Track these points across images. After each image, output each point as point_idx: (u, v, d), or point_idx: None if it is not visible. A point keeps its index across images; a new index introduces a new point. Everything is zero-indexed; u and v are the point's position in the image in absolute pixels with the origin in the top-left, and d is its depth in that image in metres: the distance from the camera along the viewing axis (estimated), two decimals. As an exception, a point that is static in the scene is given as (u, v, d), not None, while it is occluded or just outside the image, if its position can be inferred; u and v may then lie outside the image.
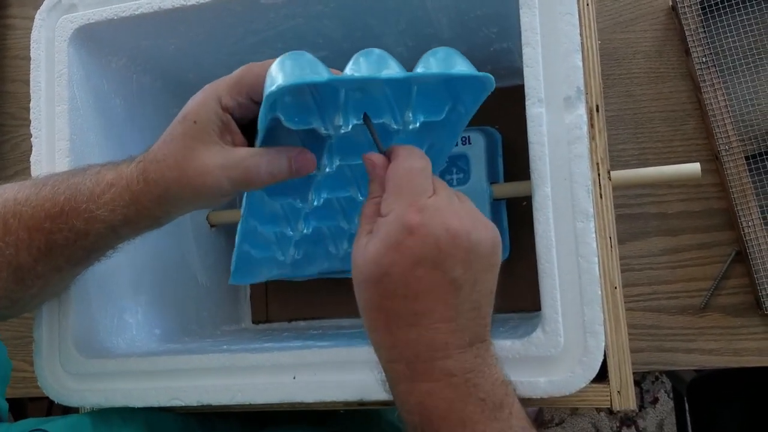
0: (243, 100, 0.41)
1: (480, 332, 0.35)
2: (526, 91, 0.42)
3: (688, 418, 1.03)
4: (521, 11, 0.42)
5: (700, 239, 0.65)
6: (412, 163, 0.36)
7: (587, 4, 0.44)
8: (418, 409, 0.34)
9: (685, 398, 0.91)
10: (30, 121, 0.86)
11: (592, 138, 0.42)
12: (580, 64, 0.41)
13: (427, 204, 0.34)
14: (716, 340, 0.64)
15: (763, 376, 0.80)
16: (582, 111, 0.41)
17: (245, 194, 0.48)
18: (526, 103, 0.42)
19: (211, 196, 0.40)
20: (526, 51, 0.42)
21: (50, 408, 1.63)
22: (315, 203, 0.50)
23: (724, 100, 0.63)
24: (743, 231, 0.62)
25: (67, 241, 0.42)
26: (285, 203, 0.51)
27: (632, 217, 0.66)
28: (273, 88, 0.37)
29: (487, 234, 0.35)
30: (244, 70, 0.41)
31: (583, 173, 0.40)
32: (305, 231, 0.54)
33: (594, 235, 0.40)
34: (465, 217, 0.35)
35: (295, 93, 0.41)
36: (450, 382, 0.33)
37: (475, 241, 0.34)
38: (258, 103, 0.40)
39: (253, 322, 0.73)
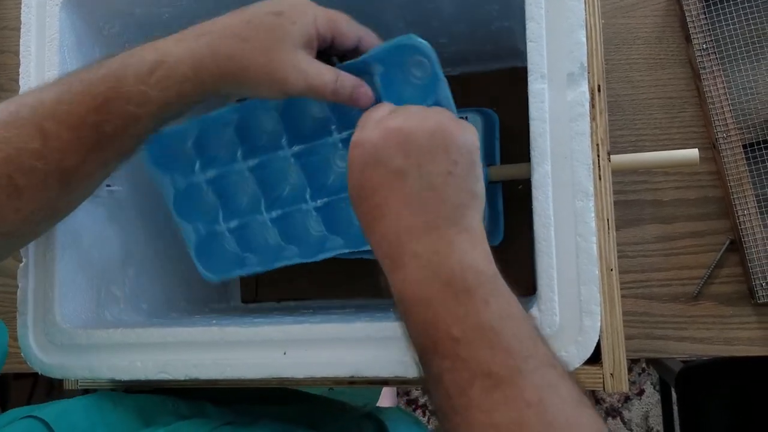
0: (327, 36, 0.43)
1: (449, 215, 0.37)
2: (529, 66, 0.41)
3: (675, 409, 1.03)
4: (525, -15, 0.41)
5: (694, 227, 0.65)
6: (378, 108, 0.42)
7: (591, -19, 0.43)
8: (398, 299, 0.36)
9: (673, 388, 0.91)
10: (18, 93, 0.85)
11: (592, 118, 0.42)
12: (584, 40, 0.40)
13: (370, 121, 0.40)
14: (708, 328, 0.64)
15: (751, 367, 0.81)
16: (585, 88, 0.40)
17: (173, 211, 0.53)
18: (529, 78, 0.41)
19: (280, 91, 0.42)
20: (530, 26, 0.41)
21: (34, 387, 1.62)
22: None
23: (724, 87, 0.63)
24: (738, 220, 0.62)
25: (117, 130, 0.41)
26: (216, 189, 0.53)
27: (627, 203, 0.66)
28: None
29: (422, 124, 0.38)
30: (340, 18, 0.44)
31: (584, 151, 0.40)
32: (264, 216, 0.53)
33: (593, 215, 0.39)
34: (402, 116, 0.39)
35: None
36: (418, 264, 0.36)
37: (407, 132, 0.38)
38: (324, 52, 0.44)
39: (243, 302, 0.72)
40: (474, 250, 0.36)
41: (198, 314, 0.62)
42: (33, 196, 0.40)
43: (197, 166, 0.53)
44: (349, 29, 0.44)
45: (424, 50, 0.46)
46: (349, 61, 0.46)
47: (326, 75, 0.42)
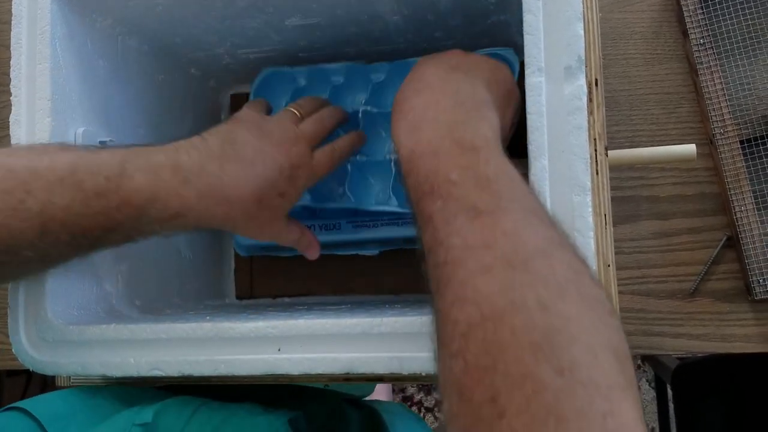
0: None
1: (476, 105, 0.42)
2: (526, 60, 0.41)
3: (671, 406, 1.03)
4: (523, -23, 0.41)
5: (691, 223, 0.65)
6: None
7: (588, -26, 0.43)
8: (408, 157, 0.39)
9: (669, 386, 0.91)
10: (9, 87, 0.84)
11: (590, 113, 0.41)
12: (582, 32, 0.40)
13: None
14: (704, 325, 0.64)
15: (747, 363, 0.80)
16: (582, 81, 0.40)
17: None
18: (526, 71, 0.41)
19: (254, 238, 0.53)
20: (527, 18, 0.41)
21: (27, 384, 1.61)
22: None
23: (721, 83, 0.63)
24: (735, 216, 0.61)
25: (115, 243, 0.45)
26: None
27: (624, 199, 0.66)
28: None
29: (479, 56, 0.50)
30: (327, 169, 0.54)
31: (582, 145, 0.39)
32: None
33: (590, 210, 0.39)
34: None
35: None
36: (436, 127, 0.39)
37: (465, 54, 0.49)
38: None
39: (237, 298, 0.72)
40: (489, 131, 0.40)
41: (192, 311, 0.62)
42: (9, 271, 0.43)
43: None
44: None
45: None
46: None
47: (287, 236, 0.54)
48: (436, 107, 0.41)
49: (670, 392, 1.09)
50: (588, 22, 0.42)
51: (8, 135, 0.84)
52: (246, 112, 0.53)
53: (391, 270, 0.68)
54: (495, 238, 0.31)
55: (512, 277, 0.30)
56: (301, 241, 0.56)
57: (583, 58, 0.40)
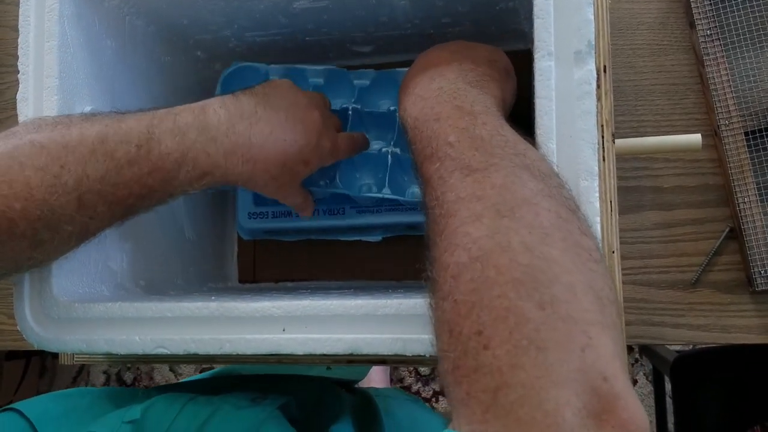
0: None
1: (476, 78, 0.44)
2: (536, 44, 0.41)
3: (668, 400, 1.04)
4: (533, -39, 0.41)
5: (694, 215, 0.65)
6: None
7: (598, -41, 0.43)
8: (413, 123, 0.42)
9: (668, 378, 0.91)
10: (15, 68, 0.84)
11: (598, 99, 0.41)
12: (592, 17, 0.40)
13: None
14: (705, 316, 0.64)
15: (746, 355, 0.81)
16: (592, 66, 0.40)
17: None
18: (535, 56, 0.41)
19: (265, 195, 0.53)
20: (538, 2, 0.41)
21: (26, 368, 1.61)
22: None
23: (727, 74, 0.63)
24: (738, 208, 0.62)
25: (149, 207, 0.46)
26: None
27: (627, 189, 0.66)
28: None
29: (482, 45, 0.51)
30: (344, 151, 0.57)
31: (590, 130, 0.39)
32: None
33: (597, 195, 0.39)
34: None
35: None
36: (440, 93, 0.42)
37: (471, 42, 0.51)
38: None
39: (240, 282, 0.72)
40: (488, 98, 0.42)
41: (196, 293, 0.62)
42: (52, 249, 0.43)
43: None
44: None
45: None
46: None
47: (303, 201, 0.57)
48: (441, 79, 0.43)
49: (667, 386, 1.10)
50: (597, 7, 0.42)
51: (14, 116, 0.85)
52: (282, 80, 0.53)
53: (393, 257, 0.69)
54: (485, 191, 0.34)
55: (499, 223, 0.32)
56: (303, 205, 0.58)
57: (593, 43, 0.40)
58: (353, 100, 0.63)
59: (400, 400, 0.79)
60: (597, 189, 0.39)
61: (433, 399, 1.58)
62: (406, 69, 0.60)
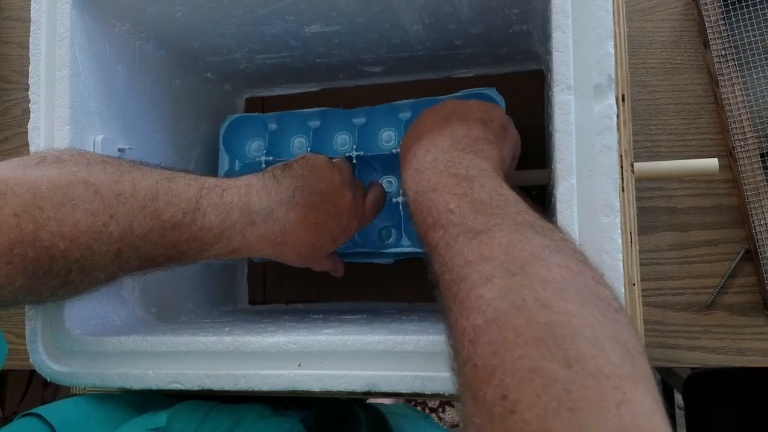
0: None
1: (470, 143, 0.44)
2: (555, 77, 0.40)
3: (677, 413, 1.03)
4: (553, -7, 0.40)
5: (709, 236, 0.64)
6: None
7: (617, -11, 0.42)
8: (414, 196, 0.42)
9: (679, 393, 0.90)
10: (23, 85, 0.84)
11: (617, 128, 0.41)
12: (612, 51, 0.39)
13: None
14: (720, 338, 0.63)
15: (760, 374, 0.80)
16: (612, 100, 0.39)
17: None
18: (554, 90, 0.40)
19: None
20: (557, 35, 0.40)
21: (31, 376, 1.61)
22: None
23: (742, 95, 0.62)
24: (754, 229, 0.61)
25: (168, 267, 0.46)
26: None
27: (642, 210, 0.65)
28: None
29: (471, 100, 0.51)
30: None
31: (611, 165, 0.39)
32: None
33: (619, 231, 0.38)
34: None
35: None
36: (435, 165, 0.42)
37: (461, 101, 0.50)
38: None
39: (250, 303, 0.71)
40: (483, 161, 0.42)
41: (206, 318, 0.61)
42: (77, 290, 0.43)
43: (263, 149, 0.64)
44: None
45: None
46: None
47: (328, 266, 0.58)
48: (435, 149, 0.44)
49: (677, 398, 1.09)
50: (617, 37, 0.41)
51: (18, 134, 0.84)
52: (318, 158, 0.54)
53: (404, 278, 0.68)
54: (492, 251, 0.33)
55: (511, 282, 0.31)
56: (333, 269, 0.59)
57: (614, 76, 0.39)
58: (354, 141, 0.64)
59: (410, 418, 0.78)
60: (619, 225, 0.39)
61: (440, 409, 1.57)
62: (402, 102, 0.62)
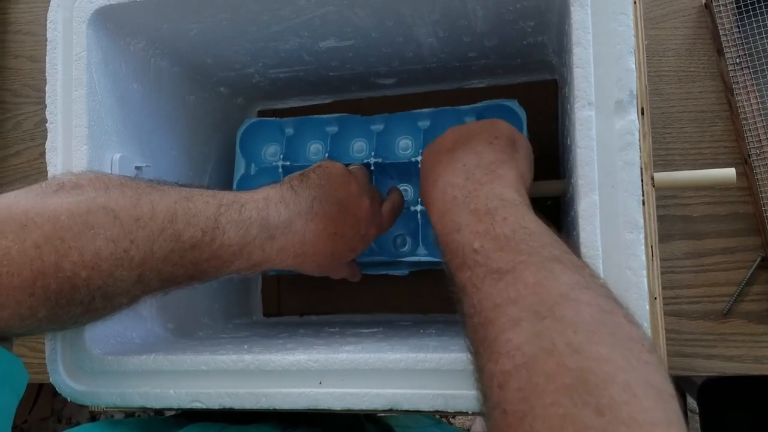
0: None
1: (485, 169, 0.43)
2: (576, 93, 0.40)
3: (690, 415, 1.03)
4: (572, 8, 0.40)
5: (724, 244, 0.64)
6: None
7: (634, 2, 0.42)
8: (441, 239, 0.41)
9: (693, 399, 0.90)
10: (33, 99, 0.84)
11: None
12: (633, 67, 0.39)
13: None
14: (737, 346, 0.63)
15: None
16: (634, 116, 0.39)
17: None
18: (575, 105, 0.40)
19: None
20: (577, 51, 0.40)
21: (41, 385, 1.61)
22: None
23: (757, 102, 0.62)
24: (771, 237, 0.61)
25: (190, 286, 0.46)
26: None
27: (657, 219, 0.65)
28: None
29: (473, 123, 0.50)
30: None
31: (634, 181, 0.39)
32: None
33: (643, 248, 0.38)
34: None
35: None
36: (455, 204, 0.42)
37: (460, 127, 0.49)
38: None
39: (265, 315, 0.71)
40: (503, 188, 0.41)
41: (223, 332, 0.61)
42: (100, 315, 0.42)
43: (280, 154, 0.64)
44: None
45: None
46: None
47: (346, 273, 0.57)
48: (452, 189, 0.43)
49: (689, 401, 1.09)
50: (636, 51, 0.41)
51: (28, 148, 0.84)
52: (335, 165, 0.53)
53: (419, 289, 0.68)
54: (518, 292, 0.33)
55: (540, 325, 0.31)
56: (351, 275, 0.59)
57: (635, 92, 0.39)
58: (372, 147, 0.63)
59: (422, 428, 0.78)
60: (642, 242, 0.38)
61: (450, 415, 1.57)
62: (421, 110, 0.62)
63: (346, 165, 0.54)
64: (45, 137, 0.50)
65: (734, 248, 0.64)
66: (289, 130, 0.65)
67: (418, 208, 0.60)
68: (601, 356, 0.28)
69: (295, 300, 0.71)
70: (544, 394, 0.28)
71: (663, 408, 0.27)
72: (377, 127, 0.63)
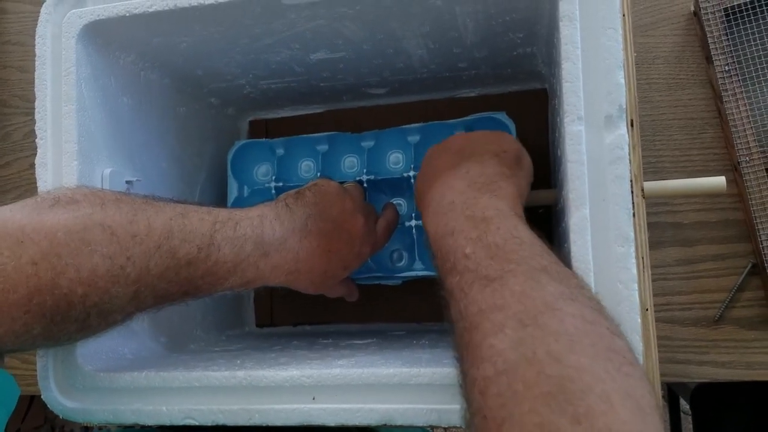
0: None
1: (486, 181, 0.44)
2: (565, 107, 0.40)
3: (683, 414, 1.03)
4: (561, 24, 0.40)
5: (715, 250, 0.64)
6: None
7: (623, 15, 0.42)
8: (433, 240, 0.42)
9: (686, 402, 0.90)
10: (23, 109, 0.84)
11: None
12: (623, 81, 0.39)
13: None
14: (729, 353, 0.63)
15: (768, 385, 0.80)
16: (623, 131, 0.39)
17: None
18: (565, 120, 0.40)
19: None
20: (566, 66, 0.40)
21: (31, 401, 1.60)
22: None
23: (746, 109, 0.62)
24: (761, 243, 0.61)
25: (183, 302, 0.45)
26: None
27: (648, 226, 0.64)
28: None
29: (482, 132, 0.51)
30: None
31: (624, 195, 0.39)
32: None
33: (634, 261, 0.38)
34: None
35: None
36: (452, 209, 0.42)
37: (469, 134, 0.51)
38: None
39: (257, 326, 0.71)
40: (499, 201, 0.42)
41: (215, 344, 0.61)
42: (94, 332, 0.42)
43: (272, 174, 0.65)
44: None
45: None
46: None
47: (339, 292, 0.57)
48: (452, 192, 0.43)
49: (682, 404, 1.09)
50: (626, 63, 0.41)
51: (19, 159, 0.84)
52: (330, 183, 0.53)
53: (411, 298, 0.68)
54: (504, 299, 0.33)
55: (523, 333, 0.31)
56: (347, 294, 0.59)
57: (624, 106, 0.39)
58: (364, 163, 0.64)
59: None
60: (633, 255, 0.39)
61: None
62: (410, 126, 0.62)
63: (341, 183, 0.54)
64: (34, 148, 0.49)
65: (725, 255, 0.64)
66: (280, 150, 0.66)
67: (413, 223, 0.60)
68: (581, 366, 0.29)
69: (287, 310, 0.71)
70: (522, 401, 0.28)
71: (641, 420, 0.27)
72: (368, 143, 0.64)
